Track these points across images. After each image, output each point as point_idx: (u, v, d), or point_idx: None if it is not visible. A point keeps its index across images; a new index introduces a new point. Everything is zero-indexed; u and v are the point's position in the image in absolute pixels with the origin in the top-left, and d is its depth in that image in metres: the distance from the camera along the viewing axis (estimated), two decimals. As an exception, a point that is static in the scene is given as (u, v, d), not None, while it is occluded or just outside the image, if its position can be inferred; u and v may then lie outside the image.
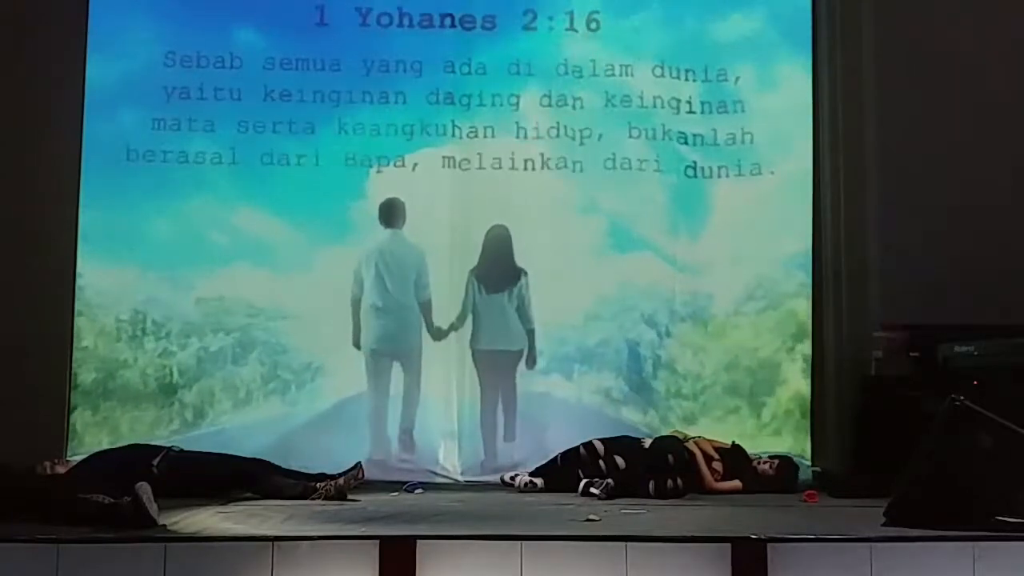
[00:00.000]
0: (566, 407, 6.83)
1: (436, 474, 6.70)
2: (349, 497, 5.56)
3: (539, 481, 6.22)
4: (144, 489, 4.46)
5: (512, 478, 6.35)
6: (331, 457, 6.15)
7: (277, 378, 6.86)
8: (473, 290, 6.95)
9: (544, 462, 6.40)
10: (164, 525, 4.41)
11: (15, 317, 6.46)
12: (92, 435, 6.65)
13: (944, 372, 6.11)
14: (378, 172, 6.98)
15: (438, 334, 6.92)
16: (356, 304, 6.92)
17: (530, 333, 6.93)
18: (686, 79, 7.05)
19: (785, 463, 6.36)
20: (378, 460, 6.67)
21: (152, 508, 4.43)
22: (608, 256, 6.99)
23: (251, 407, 6.83)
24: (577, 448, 6.27)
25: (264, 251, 6.89)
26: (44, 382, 6.56)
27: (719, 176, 7.03)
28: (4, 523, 4.34)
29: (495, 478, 6.54)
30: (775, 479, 6.24)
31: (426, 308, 6.93)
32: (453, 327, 6.91)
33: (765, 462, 6.35)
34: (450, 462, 6.78)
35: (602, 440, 6.27)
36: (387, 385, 6.90)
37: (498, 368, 6.91)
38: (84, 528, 4.26)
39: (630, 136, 7.02)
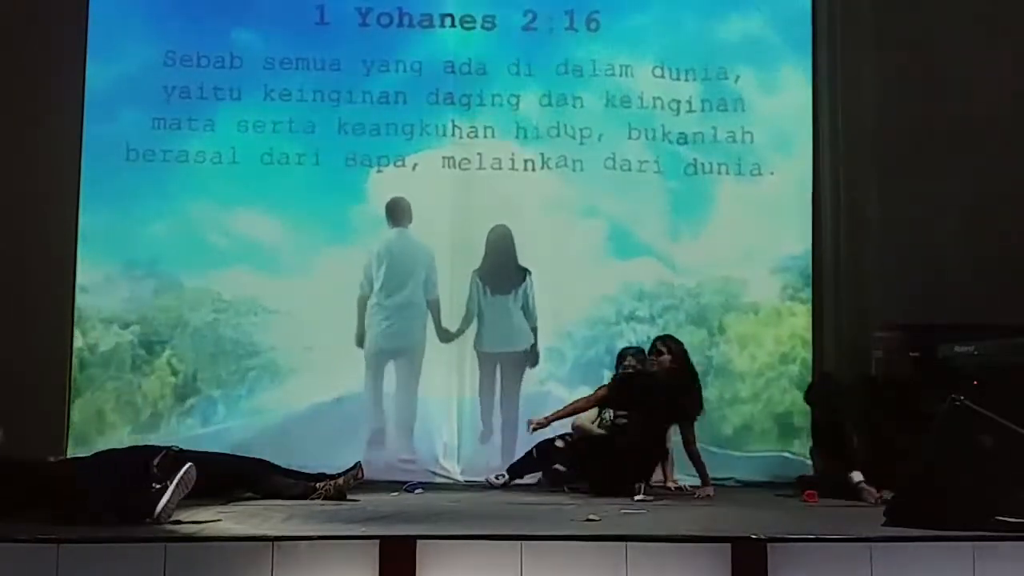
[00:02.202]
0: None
1: (436, 474, 6.71)
2: (349, 497, 5.56)
3: (505, 476, 6.26)
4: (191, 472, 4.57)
5: (497, 477, 6.33)
6: (327, 456, 6.16)
7: (286, 372, 6.88)
8: (477, 291, 6.95)
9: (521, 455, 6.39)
10: (159, 519, 4.45)
11: (15, 317, 6.46)
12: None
13: (944, 372, 6.11)
14: (378, 172, 6.99)
15: (445, 336, 6.93)
16: (363, 303, 6.93)
17: (534, 331, 6.93)
18: (686, 79, 7.06)
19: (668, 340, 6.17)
20: (378, 460, 6.68)
21: (167, 500, 4.49)
22: (612, 257, 6.99)
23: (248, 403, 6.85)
24: (553, 440, 6.23)
25: (264, 251, 6.89)
26: (44, 382, 6.56)
27: (719, 173, 7.03)
28: (14, 513, 4.36)
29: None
30: (675, 362, 6.06)
31: (434, 307, 6.94)
32: (460, 330, 6.92)
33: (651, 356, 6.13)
34: (450, 462, 6.78)
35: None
36: (387, 384, 6.90)
37: (504, 369, 6.91)
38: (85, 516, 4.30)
39: (630, 138, 7.02)
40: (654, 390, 5.95)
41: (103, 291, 6.82)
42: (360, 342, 6.91)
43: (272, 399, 6.86)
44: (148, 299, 6.85)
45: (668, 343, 6.13)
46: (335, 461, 5.95)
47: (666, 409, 5.93)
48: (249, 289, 6.89)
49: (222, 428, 6.78)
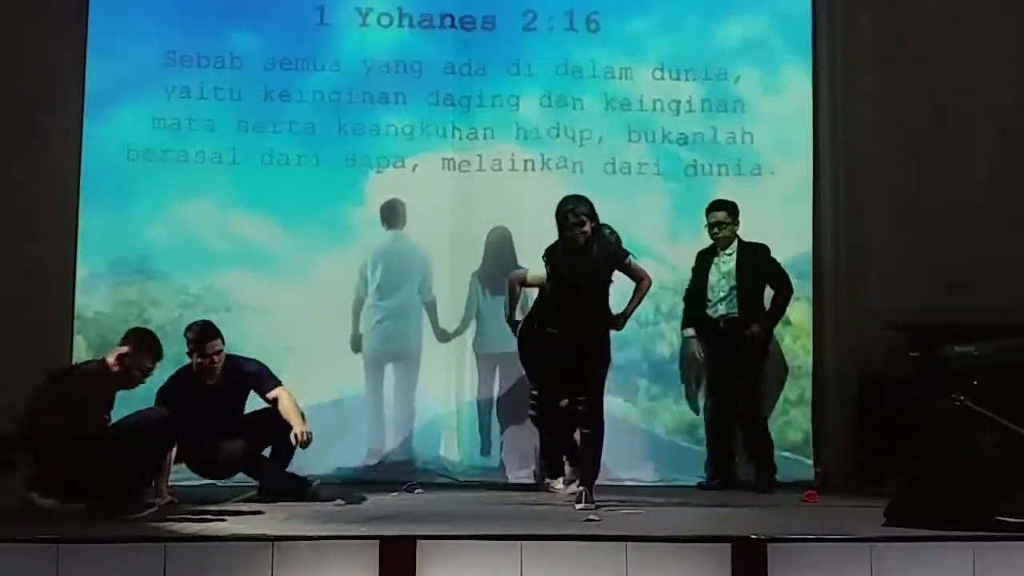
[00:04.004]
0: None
1: (436, 474, 6.70)
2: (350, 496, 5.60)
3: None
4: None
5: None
6: (326, 456, 6.15)
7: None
8: (476, 293, 6.94)
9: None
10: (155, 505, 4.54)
11: (14, 317, 6.46)
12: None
13: (944, 372, 6.11)
14: (378, 173, 6.99)
15: (443, 336, 6.92)
16: (359, 305, 6.92)
17: None
18: (686, 79, 7.06)
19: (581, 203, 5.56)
20: (377, 460, 6.69)
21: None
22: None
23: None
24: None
25: (265, 253, 6.88)
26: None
27: (719, 174, 7.02)
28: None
29: (494, 478, 6.58)
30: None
31: (431, 309, 6.93)
32: (458, 331, 6.91)
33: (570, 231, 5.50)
34: (450, 462, 6.79)
35: None
36: (386, 385, 6.89)
37: (503, 370, 6.87)
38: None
39: (630, 139, 7.02)
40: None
41: (100, 291, 6.81)
42: (355, 345, 6.90)
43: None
44: (143, 299, 6.83)
45: (581, 207, 5.52)
46: (333, 461, 5.97)
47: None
48: (247, 290, 6.86)
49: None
